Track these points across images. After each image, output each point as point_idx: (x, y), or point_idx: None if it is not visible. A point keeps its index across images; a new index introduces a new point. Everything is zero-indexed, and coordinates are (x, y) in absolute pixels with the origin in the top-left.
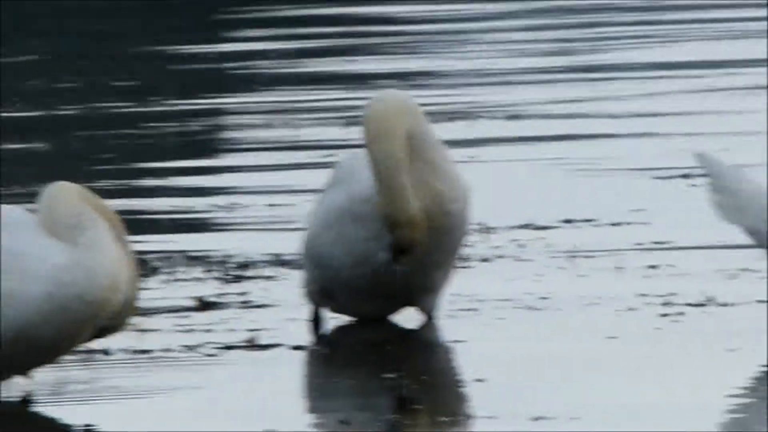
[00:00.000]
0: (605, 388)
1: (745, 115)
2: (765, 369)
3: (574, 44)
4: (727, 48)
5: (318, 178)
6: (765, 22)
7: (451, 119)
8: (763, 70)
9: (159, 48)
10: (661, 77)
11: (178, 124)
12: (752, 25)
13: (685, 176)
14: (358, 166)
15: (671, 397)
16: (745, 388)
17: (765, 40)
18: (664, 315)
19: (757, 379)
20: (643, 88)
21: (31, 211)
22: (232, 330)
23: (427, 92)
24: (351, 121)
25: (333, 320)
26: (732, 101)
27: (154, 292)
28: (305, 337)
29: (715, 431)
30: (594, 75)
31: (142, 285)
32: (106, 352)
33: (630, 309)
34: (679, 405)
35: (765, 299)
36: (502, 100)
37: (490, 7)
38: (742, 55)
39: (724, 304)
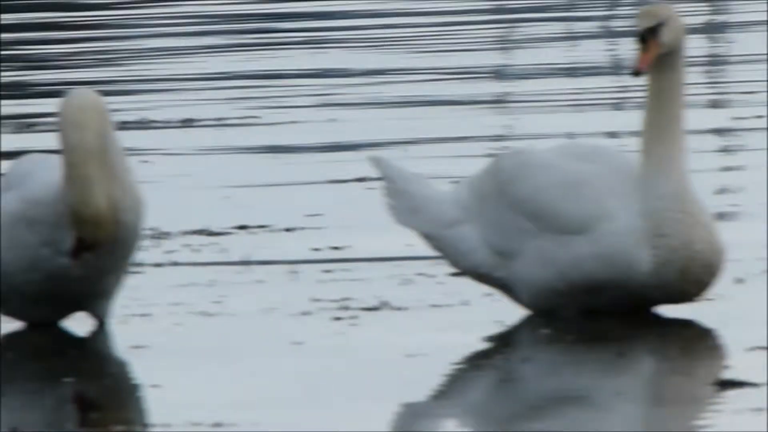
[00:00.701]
0: (285, 386)
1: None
2: (451, 367)
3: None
4: (378, 56)
5: None
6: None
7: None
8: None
9: None
10: (337, 85)
11: None
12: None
13: (359, 180)
14: (31, 169)
15: (351, 404)
16: (424, 389)
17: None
18: (338, 319)
19: (435, 383)
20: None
21: None
22: None
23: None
24: (21, 128)
25: (5, 324)
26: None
27: None
28: None
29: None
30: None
31: None
32: None
33: (304, 314)
34: (356, 412)
35: (440, 303)
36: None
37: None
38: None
39: (399, 308)
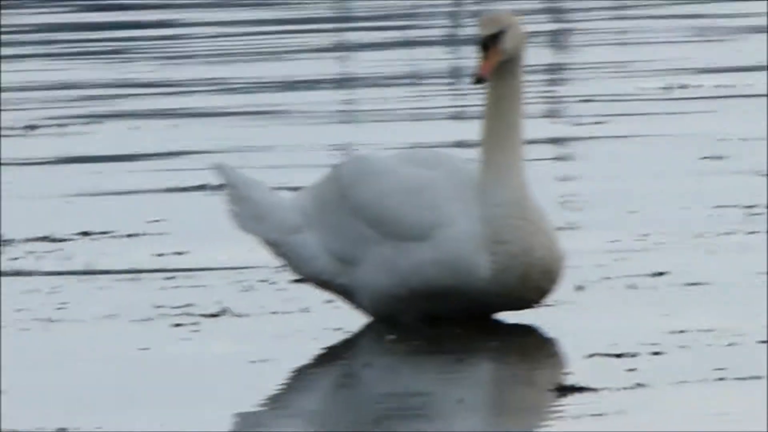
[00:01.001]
0: (128, 391)
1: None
2: (292, 373)
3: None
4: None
5: None
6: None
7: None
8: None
9: None
10: (177, 93)
11: None
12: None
13: (200, 187)
14: None
15: (192, 410)
16: (264, 396)
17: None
18: (179, 325)
19: (276, 390)
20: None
21: None
22: None
23: None
24: None
25: None
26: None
27: None
28: None
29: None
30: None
31: None
32: None
33: (146, 320)
34: (198, 417)
35: (281, 310)
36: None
37: None
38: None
39: (240, 315)
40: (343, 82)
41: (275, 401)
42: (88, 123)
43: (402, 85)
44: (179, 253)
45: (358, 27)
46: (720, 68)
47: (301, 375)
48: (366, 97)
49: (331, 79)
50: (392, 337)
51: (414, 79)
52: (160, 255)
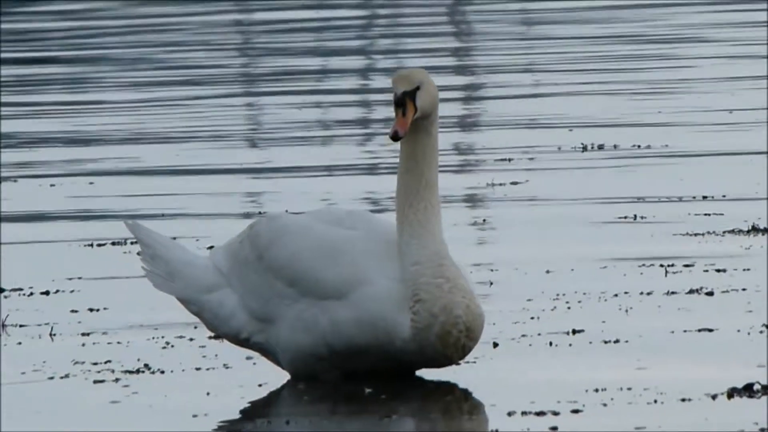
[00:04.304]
0: None
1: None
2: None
3: None
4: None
5: None
6: None
7: None
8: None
9: None
10: (92, 152)
11: None
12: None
13: (116, 244)
14: None
15: None
16: None
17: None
18: (101, 381)
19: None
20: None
21: None
22: None
23: None
24: None
25: None
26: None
27: None
28: None
29: None
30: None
31: None
32: None
33: (63, 377)
34: None
35: (201, 366)
36: None
37: None
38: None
39: (161, 372)
40: (254, 141)
41: None
42: None
43: (315, 144)
44: (94, 310)
45: (267, 92)
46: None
47: (223, 431)
48: (279, 156)
49: (242, 137)
50: (310, 394)
51: (326, 137)
52: (74, 311)
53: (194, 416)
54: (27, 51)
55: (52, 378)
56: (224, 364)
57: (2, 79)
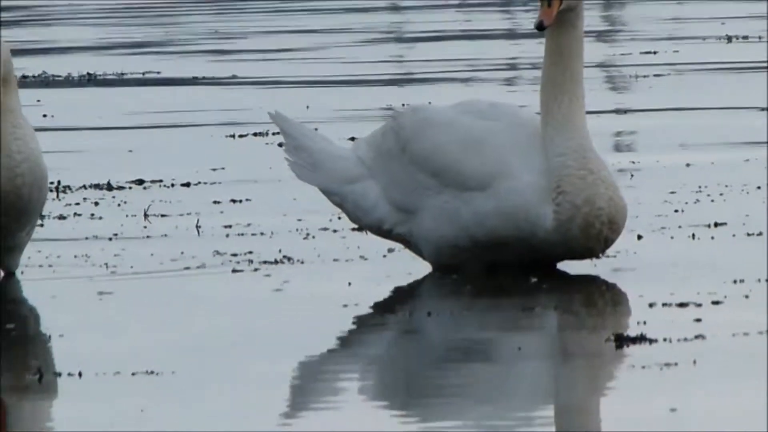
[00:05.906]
0: (199, 339)
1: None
2: (346, 325)
3: None
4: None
5: None
6: None
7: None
8: None
9: None
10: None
11: None
12: None
13: (258, 135)
14: None
15: (256, 358)
16: (328, 342)
17: None
18: (239, 271)
19: (339, 336)
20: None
21: None
22: None
23: None
24: None
25: None
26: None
27: None
28: None
29: None
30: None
31: None
32: None
33: (207, 267)
34: (262, 364)
35: (341, 258)
36: None
37: None
38: None
39: (300, 262)
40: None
41: (339, 348)
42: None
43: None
44: (237, 201)
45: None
46: None
47: (364, 322)
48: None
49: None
50: (451, 285)
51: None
52: (217, 203)
53: (332, 308)
54: None
55: (188, 268)
56: (365, 256)
57: None
